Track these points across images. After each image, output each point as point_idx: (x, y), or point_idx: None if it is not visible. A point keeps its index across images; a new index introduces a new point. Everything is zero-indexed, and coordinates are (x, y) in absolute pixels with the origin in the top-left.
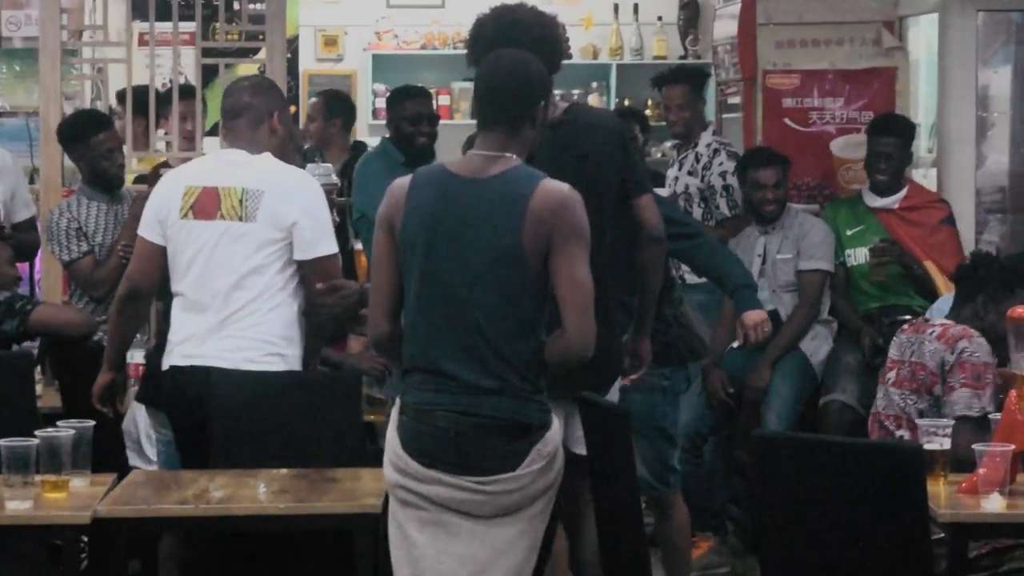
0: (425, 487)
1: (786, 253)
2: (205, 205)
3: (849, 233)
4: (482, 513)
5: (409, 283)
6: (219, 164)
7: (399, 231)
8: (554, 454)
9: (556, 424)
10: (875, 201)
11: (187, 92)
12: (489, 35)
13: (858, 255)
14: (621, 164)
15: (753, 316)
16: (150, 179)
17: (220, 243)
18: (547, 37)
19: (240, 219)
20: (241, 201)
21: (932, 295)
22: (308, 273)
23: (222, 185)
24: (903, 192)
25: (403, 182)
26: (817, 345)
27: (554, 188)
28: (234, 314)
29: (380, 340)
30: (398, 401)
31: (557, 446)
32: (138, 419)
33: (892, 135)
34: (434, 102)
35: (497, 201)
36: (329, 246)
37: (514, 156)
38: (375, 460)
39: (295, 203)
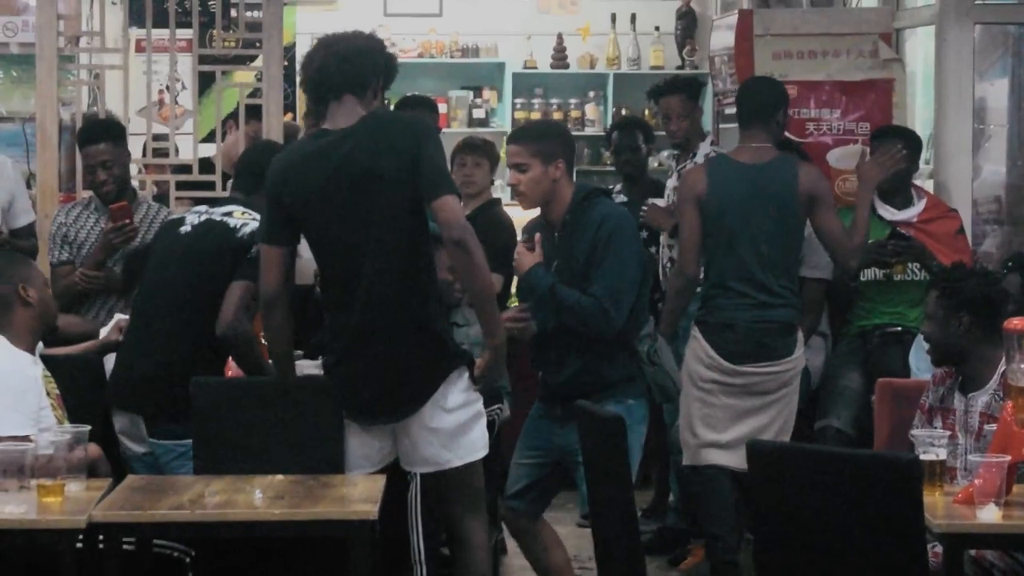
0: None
1: None
2: None
3: None
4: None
5: (715, 235)
6: None
7: (704, 203)
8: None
9: None
10: (893, 215)
11: (256, 114)
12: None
13: (867, 270)
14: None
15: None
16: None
17: None
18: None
19: None
20: None
21: None
22: None
23: None
24: (922, 205)
25: (699, 170)
26: (811, 355)
27: (810, 167)
28: None
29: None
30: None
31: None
32: None
33: (896, 136)
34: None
35: (779, 177)
36: None
37: (771, 145)
38: None
39: None
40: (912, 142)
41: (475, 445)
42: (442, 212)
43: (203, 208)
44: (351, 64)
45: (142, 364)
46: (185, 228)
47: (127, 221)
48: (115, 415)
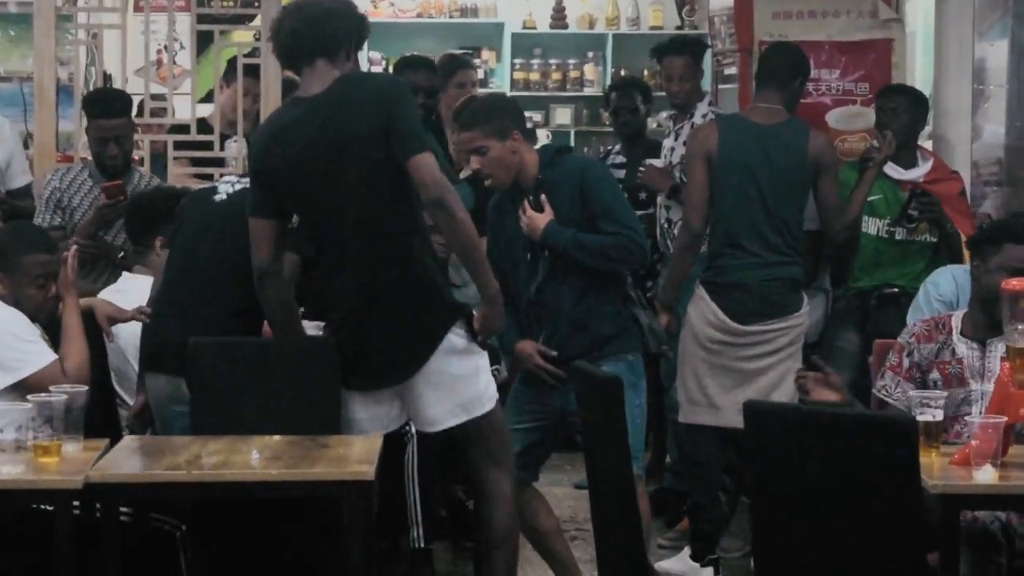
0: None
1: None
2: None
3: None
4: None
5: (725, 193)
6: None
7: (715, 160)
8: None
9: None
10: (900, 174)
11: (254, 71)
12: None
13: (871, 224)
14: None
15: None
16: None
17: None
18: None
19: None
20: None
21: (959, 258)
22: None
23: None
24: (928, 165)
25: (711, 127)
26: (811, 308)
27: (821, 134)
28: None
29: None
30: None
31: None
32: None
33: (899, 94)
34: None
35: (789, 141)
36: None
37: (782, 108)
38: None
39: None
40: (918, 101)
41: (482, 398)
42: (417, 172)
43: (233, 178)
44: (321, 27)
45: (178, 327)
46: (219, 196)
47: (121, 198)
48: (152, 378)
